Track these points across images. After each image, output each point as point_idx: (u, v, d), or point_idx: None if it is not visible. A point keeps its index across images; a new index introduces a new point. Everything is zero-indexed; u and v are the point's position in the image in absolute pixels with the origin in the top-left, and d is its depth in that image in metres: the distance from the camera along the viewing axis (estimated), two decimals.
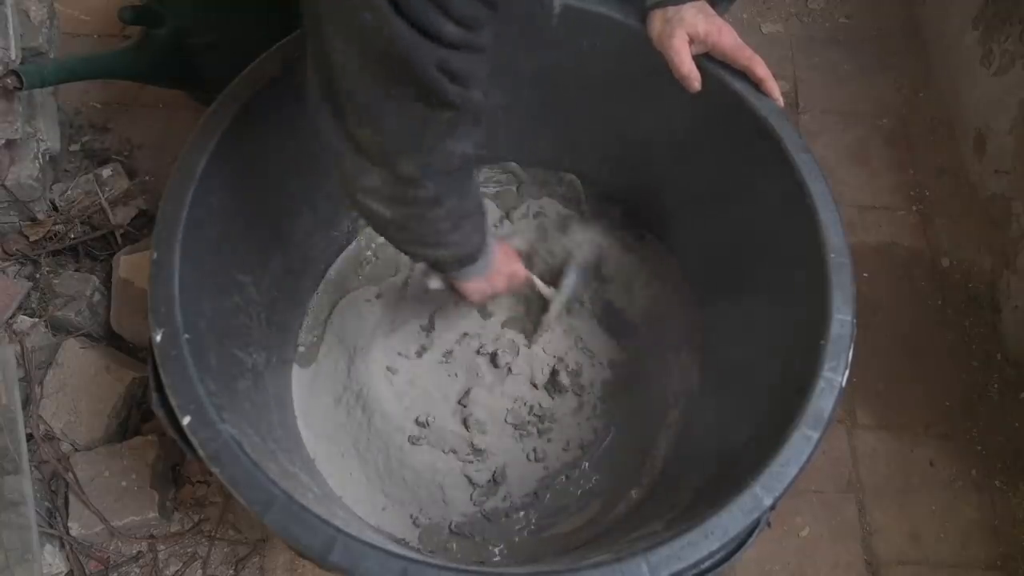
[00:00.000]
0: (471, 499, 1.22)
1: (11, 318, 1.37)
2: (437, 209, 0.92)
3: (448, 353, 1.33)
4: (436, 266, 1.11)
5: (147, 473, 1.24)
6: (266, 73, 1.06)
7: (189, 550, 1.27)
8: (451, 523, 1.21)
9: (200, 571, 1.25)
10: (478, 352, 1.33)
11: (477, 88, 0.80)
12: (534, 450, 1.26)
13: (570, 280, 1.33)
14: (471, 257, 1.08)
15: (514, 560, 1.19)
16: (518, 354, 1.32)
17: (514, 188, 1.51)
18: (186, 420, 0.83)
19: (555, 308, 1.32)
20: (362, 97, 0.78)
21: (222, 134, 1.01)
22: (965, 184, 1.70)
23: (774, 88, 1.06)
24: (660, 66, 1.07)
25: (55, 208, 1.50)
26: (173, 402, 0.84)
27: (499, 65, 0.82)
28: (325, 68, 0.77)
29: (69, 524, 1.22)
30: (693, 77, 1.04)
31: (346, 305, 1.38)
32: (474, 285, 1.15)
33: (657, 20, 1.06)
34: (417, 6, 0.68)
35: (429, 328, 1.35)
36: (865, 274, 1.59)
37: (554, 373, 1.31)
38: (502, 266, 1.18)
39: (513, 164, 1.47)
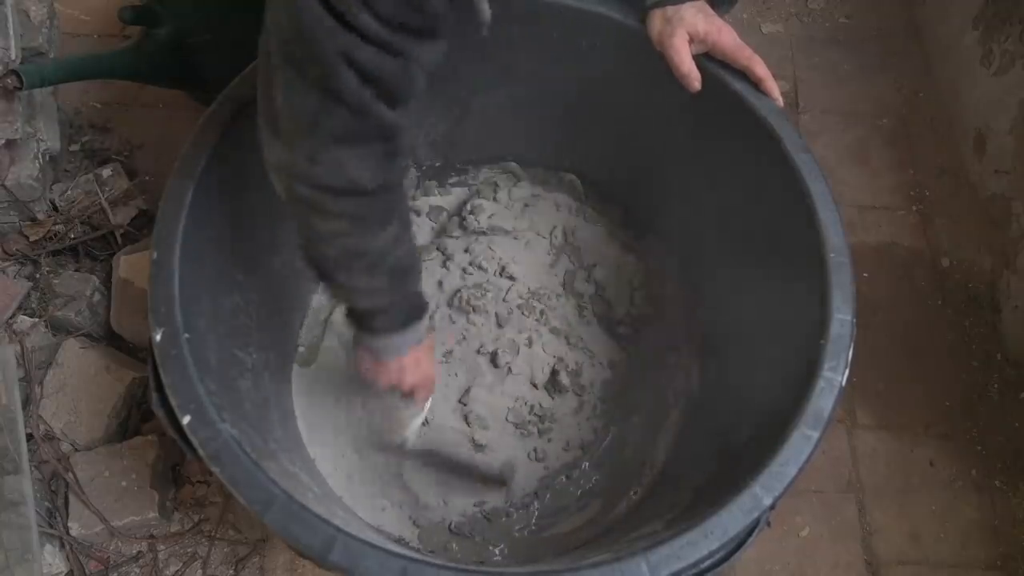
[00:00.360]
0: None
1: (11, 318, 1.37)
2: (320, 222, 0.85)
3: (448, 353, 1.33)
4: (352, 315, 1.03)
5: (147, 473, 1.24)
6: None
7: (189, 550, 1.27)
8: (451, 523, 1.21)
9: (200, 571, 1.25)
10: (478, 352, 1.33)
11: (391, 104, 0.76)
12: (535, 450, 1.27)
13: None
14: (368, 321, 1.00)
15: (514, 560, 1.19)
16: (518, 354, 1.32)
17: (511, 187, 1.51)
18: (186, 420, 0.83)
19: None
20: (275, 59, 0.75)
21: (222, 134, 1.01)
22: (965, 184, 1.70)
23: (773, 88, 1.06)
24: (660, 66, 1.07)
25: (55, 208, 1.50)
26: (173, 402, 0.84)
27: (500, 67, 0.80)
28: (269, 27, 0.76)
29: (69, 524, 1.22)
30: (693, 76, 1.04)
31: None
32: (370, 363, 1.07)
33: (657, 20, 1.06)
34: None
35: (429, 328, 1.35)
36: (865, 274, 1.59)
37: (554, 373, 1.31)
38: (412, 367, 1.08)
39: (513, 164, 1.47)
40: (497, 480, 1.23)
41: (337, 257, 0.90)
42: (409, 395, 1.13)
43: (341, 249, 0.89)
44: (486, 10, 0.69)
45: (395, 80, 0.75)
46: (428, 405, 1.22)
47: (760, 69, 1.06)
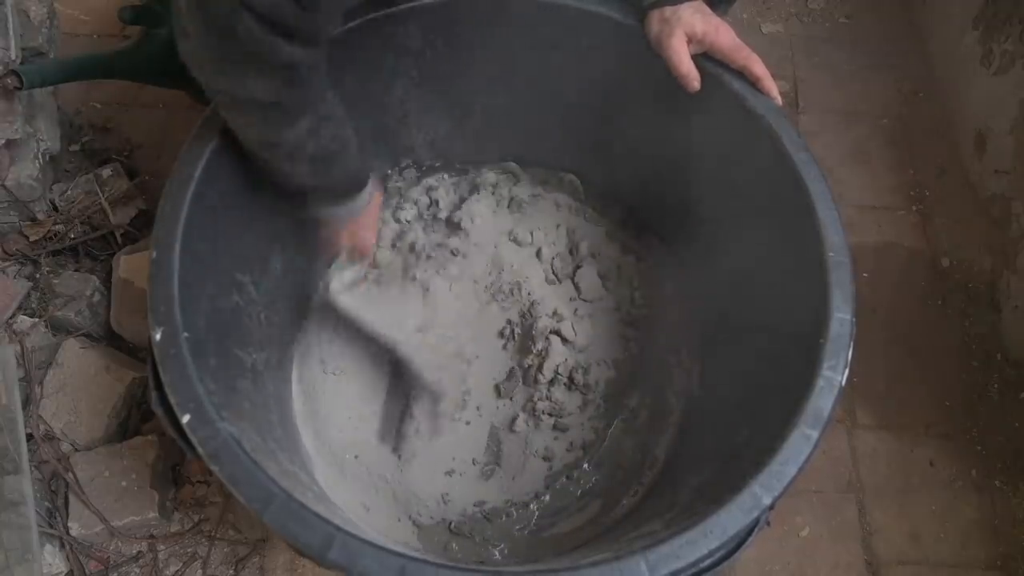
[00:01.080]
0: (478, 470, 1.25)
1: (11, 318, 1.37)
2: (236, 116, 0.92)
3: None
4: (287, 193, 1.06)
5: (147, 473, 1.24)
6: None
7: (189, 550, 1.27)
8: (451, 523, 1.21)
9: (200, 571, 1.25)
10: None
11: (289, 40, 0.81)
12: (544, 447, 1.27)
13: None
14: (300, 198, 1.04)
15: (514, 560, 1.19)
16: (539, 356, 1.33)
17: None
18: (185, 419, 0.83)
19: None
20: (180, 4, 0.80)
21: (222, 134, 1.01)
22: (965, 184, 1.70)
23: (772, 87, 1.06)
24: (659, 66, 1.07)
25: (55, 208, 1.50)
26: (172, 401, 0.84)
27: (500, 67, 0.81)
28: None
29: (69, 524, 1.22)
30: (692, 76, 1.04)
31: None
32: (329, 231, 1.14)
33: (655, 20, 1.06)
34: None
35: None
36: (865, 274, 1.59)
37: (571, 371, 1.32)
38: (350, 236, 1.15)
39: (512, 164, 1.47)
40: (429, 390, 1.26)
41: (254, 144, 0.96)
42: (350, 252, 1.19)
43: (255, 138, 0.95)
44: None
45: (292, 20, 0.80)
46: (363, 267, 1.25)
47: (758, 68, 1.06)
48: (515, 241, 1.44)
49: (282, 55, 0.82)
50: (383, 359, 1.32)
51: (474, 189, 1.46)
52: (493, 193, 1.47)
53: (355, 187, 1.07)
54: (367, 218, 1.15)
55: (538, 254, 1.43)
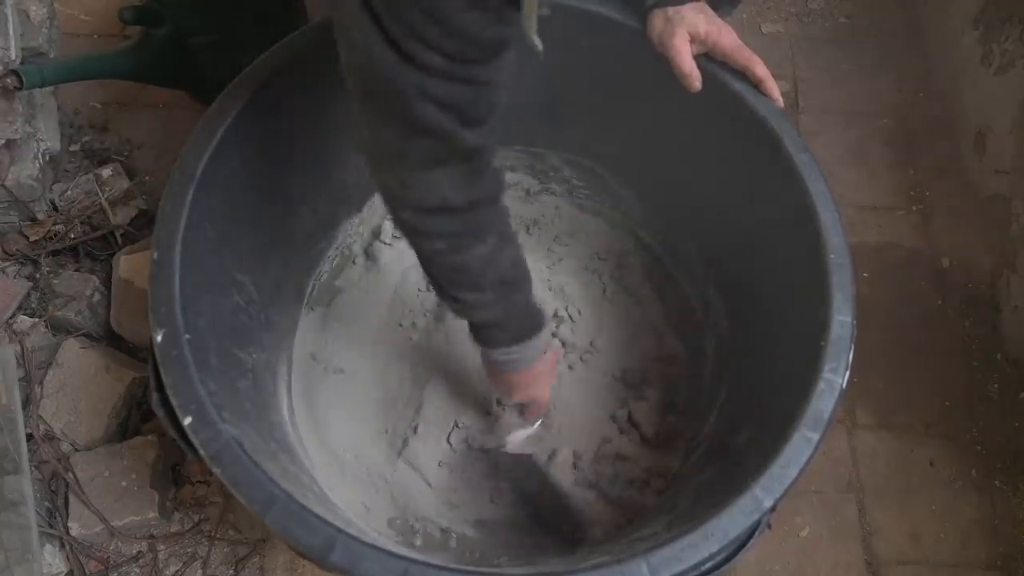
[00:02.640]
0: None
1: (11, 318, 1.37)
2: (423, 242, 0.91)
3: None
4: (472, 329, 1.07)
5: (147, 473, 1.24)
6: (266, 72, 1.06)
7: (189, 550, 1.27)
8: (451, 524, 1.21)
9: (200, 571, 1.25)
10: None
11: (470, 126, 0.79)
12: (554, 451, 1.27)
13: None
14: (486, 335, 1.04)
15: (514, 560, 1.19)
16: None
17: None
18: (187, 420, 0.83)
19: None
20: (355, 95, 0.79)
21: (222, 134, 1.01)
22: (965, 184, 1.70)
23: (774, 88, 1.06)
24: (659, 66, 1.07)
25: (55, 208, 1.50)
26: (174, 402, 0.85)
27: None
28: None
29: (69, 524, 1.22)
30: (694, 77, 1.04)
31: (345, 304, 1.38)
32: (496, 377, 1.13)
33: (657, 20, 1.06)
34: (399, 34, 0.69)
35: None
36: (865, 274, 1.59)
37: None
38: (536, 380, 1.13)
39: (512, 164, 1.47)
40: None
41: (442, 274, 0.95)
42: (524, 408, 1.20)
43: (444, 267, 0.94)
44: (537, 43, 0.72)
45: (471, 105, 0.78)
46: (537, 423, 1.25)
47: (760, 70, 1.06)
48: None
49: (465, 140, 0.80)
50: (383, 359, 1.33)
51: None
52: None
53: (536, 325, 1.06)
54: (544, 367, 1.13)
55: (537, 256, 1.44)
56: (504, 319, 1.02)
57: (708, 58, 1.07)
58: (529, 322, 1.05)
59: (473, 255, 0.91)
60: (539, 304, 1.06)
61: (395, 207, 0.89)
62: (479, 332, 1.05)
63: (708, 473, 1.08)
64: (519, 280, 1.01)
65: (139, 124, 1.69)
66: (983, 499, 1.38)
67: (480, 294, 0.96)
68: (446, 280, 0.96)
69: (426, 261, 0.95)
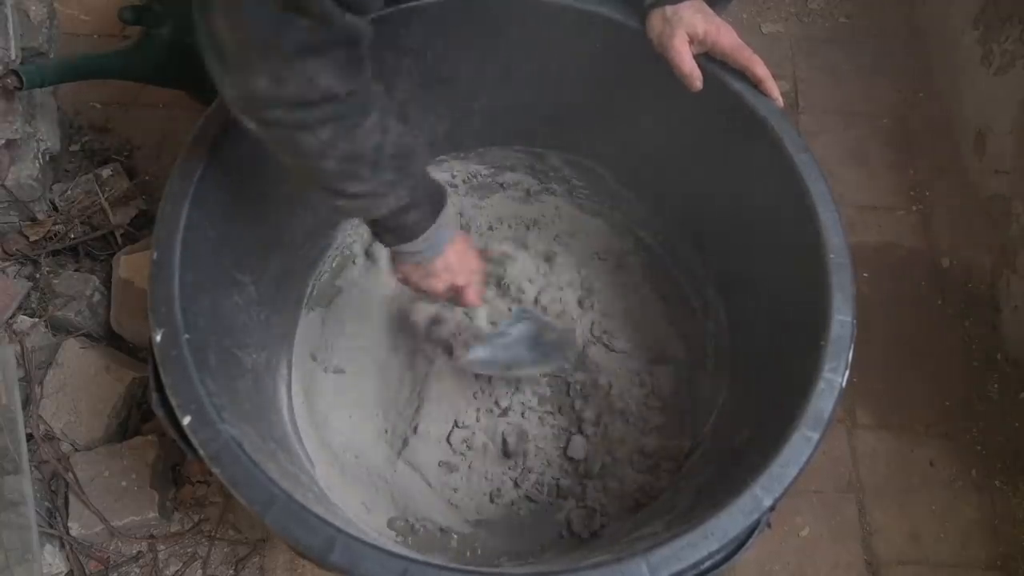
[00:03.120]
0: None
1: (11, 318, 1.37)
2: (308, 137, 0.83)
3: None
4: (371, 226, 1.01)
5: (147, 473, 1.24)
6: None
7: (189, 550, 1.27)
8: (451, 524, 1.21)
9: (200, 571, 1.25)
10: None
11: (353, 10, 0.76)
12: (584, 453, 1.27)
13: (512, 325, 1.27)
14: (398, 225, 0.98)
15: (514, 560, 1.19)
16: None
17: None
18: (186, 420, 0.83)
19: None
20: None
21: (222, 134, 1.01)
22: (965, 184, 1.70)
23: (773, 88, 1.06)
24: (660, 67, 1.07)
25: (55, 208, 1.50)
26: (173, 402, 0.84)
27: (501, 68, 0.80)
28: None
29: (69, 524, 1.22)
30: (695, 76, 1.04)
31: (345, 304, 1.38)
32: (418, 273, 1.06)
33: (656, 20, 1.06)
34: None
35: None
36: (865, 274, 1.59)
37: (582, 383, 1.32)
38: (458, 258, 1.07)
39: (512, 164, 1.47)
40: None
41: (338, 168, 0.87)
42: (463, 293, 1.10)
43: (338, 158, 0.86)
44: None
45: None
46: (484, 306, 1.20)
47: (760, 69, 1.06)
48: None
49: (348, 24, 0.76)
50: (383, 359, 1.33)
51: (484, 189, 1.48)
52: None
53: (442, 192, 1.02)
54: (463, 242, 1.09)
55: (536, 255, 1.44)
56: (413, 196, 0.96)
57: (708, 58, 1.07)
58: (437, 192, 1.01)
59: (363, 134, 0.86)
60: (442, 184, 1.02)
61: (263, 108, 0.80)
62: (391, 224, 0.98)
63: (708, 473, 1.08)
64: (413, 149, 0.95)
65: (139, 124, 1.69)
66: (983, 499, 1.38)
67: (381, 175, 0.91)
68: (344, 177, 0.89)
69: (314, 160, 0.86)
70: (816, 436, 0.85)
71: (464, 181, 1.47)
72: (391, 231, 1.00)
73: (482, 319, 1.27)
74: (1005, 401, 1.47)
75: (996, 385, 1.49)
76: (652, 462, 1.24)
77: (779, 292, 1.09)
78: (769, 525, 0.87)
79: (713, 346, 1.30)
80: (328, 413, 1.27)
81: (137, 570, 1.25)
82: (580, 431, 1.27)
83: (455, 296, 1.12)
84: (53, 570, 1.19)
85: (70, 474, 1.23)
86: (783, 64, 1.89)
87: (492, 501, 1.23)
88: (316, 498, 1.00)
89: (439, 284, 1.08)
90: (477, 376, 1.30)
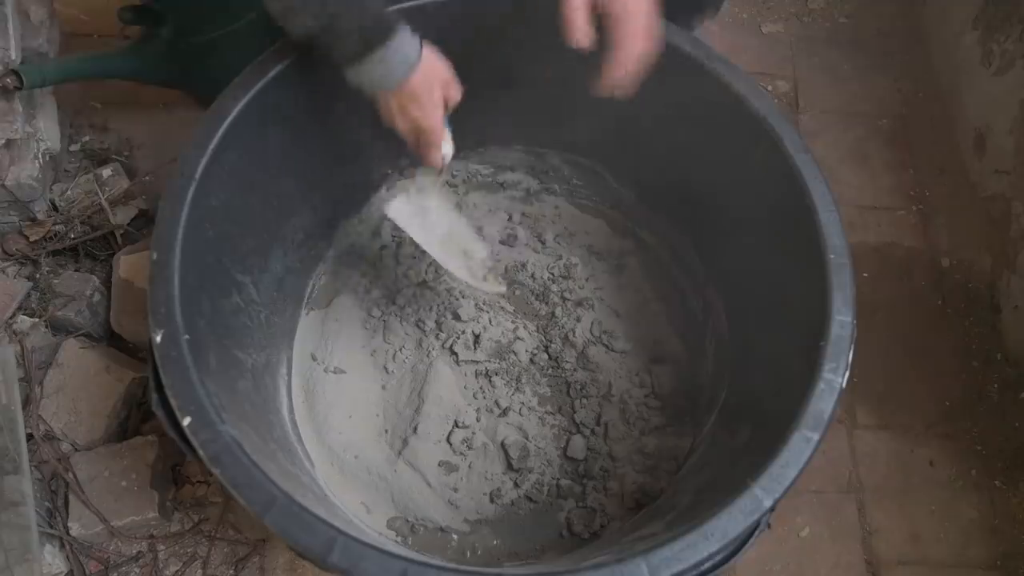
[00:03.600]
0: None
1: (11, 318, 1.37)
2: None
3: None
4: (330, 49, 0.95)
5: (147, 473, 1.24)
6: (266, 72, 1.06)
7: (189, 550, 1.27)
8: (451, 524, 1.21)
9: (200, 571, 1.25)
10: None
11: None
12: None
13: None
14: (345, 45, 0.93)
15: (514, 560, 1.19)
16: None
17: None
18: (186, 421, 0.83)
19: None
20: None
21: (222, 134, 1.00)
22: (965, 184, 1.70)
23: (621, 67, 0.96)
24: (660, 68, 1.06)
25: (55, 208, 1.50)
26: (173, 403, 0.84)
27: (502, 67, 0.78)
28: None
29: (69, 524, 1.22)
30: (575, 27, 0.94)
31: (345, 305, 1.38)
32: (394, 99, 1.00)
33: None
34: None
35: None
36: (865, 274, 1.59)
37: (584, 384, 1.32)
38: (429, 73, 0.99)
39: (512, 165, 1.47)
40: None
41: None
42: (416, 143, 1.07)
43: None
44: None
45: None
46: (448, 133, 1.10)
47: (631, 46, 0.95)
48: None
49: None
50: (383, 359, 1.33)
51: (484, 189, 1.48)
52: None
53: (386, 28, 0.95)
54: (418, 87, 1.00)
55: (538, 254, 1.44)
56: (335, 23, 0.92)
57: (708, 58, 1.07)
58: (377, 25, 0.95)
59: None
60: (388, 13, 0.97)
61: None
62: (338, 43, 0.94)
63: (708, 473, 1.08)
64: None
65: (139, 124, 1.68)
66: (983, 499, 1.38)
67: None
68: None
69: None
70: (816, 436, 0.85)
71: (464, 181, 1.47)
72: (337, 51, 0.95)
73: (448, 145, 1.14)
74: (1005, 401, 1.47)
75: (996, 385, 1.49)
76: (652, 462, 1.24)
77: (779, 292, 1.09)
78: (769, 525, 0.87)
79: (713, 346, 1.30)
80: (328, 413, 1.27)
81: (137, 570, 1.25)
82: (580, 431, 1.27)
83: (417, 147, 1.07)
84: (53, 570, 1.19)
85: (70, 474, 1.23)
86: (783, 64, 1.89)
87: (492, 501, 1.23)
88: (316, 498, 1.00)
89: (395, 120, 1.03)
90: (477, 376, 1.30)
